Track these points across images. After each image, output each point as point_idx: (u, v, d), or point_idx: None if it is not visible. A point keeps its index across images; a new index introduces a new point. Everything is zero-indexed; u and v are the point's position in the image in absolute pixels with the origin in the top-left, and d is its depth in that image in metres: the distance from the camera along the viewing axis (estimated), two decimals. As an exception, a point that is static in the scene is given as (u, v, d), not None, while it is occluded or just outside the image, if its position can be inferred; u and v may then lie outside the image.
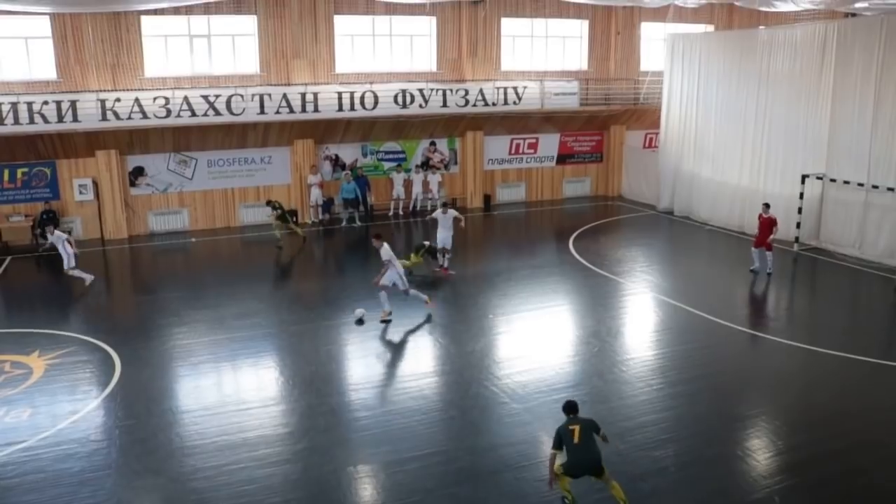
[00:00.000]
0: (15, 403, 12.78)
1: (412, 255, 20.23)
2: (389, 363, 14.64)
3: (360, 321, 16.43)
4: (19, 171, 24.53)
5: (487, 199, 29.68)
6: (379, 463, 10.56)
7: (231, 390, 13.48)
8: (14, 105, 22.87)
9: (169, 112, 24.23)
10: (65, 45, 23.96)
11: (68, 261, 19.69)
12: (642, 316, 17.35)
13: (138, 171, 25.69)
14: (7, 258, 22.73)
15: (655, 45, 31.14)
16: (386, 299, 16.50)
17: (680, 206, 27.87)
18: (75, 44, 23.96)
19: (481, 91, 27.97)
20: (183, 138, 25.34)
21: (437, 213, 20.42)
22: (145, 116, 24.07)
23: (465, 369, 13.73)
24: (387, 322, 16.37)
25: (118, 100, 23.78)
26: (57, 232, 20.23)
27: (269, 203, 24.47)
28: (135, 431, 11.72)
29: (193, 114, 24.46)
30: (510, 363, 14.11)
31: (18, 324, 16.85)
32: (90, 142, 24.38)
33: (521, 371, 13.65)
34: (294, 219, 25.56)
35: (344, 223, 26.79)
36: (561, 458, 9.22)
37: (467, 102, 27.91)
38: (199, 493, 9.86)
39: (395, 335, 15.81)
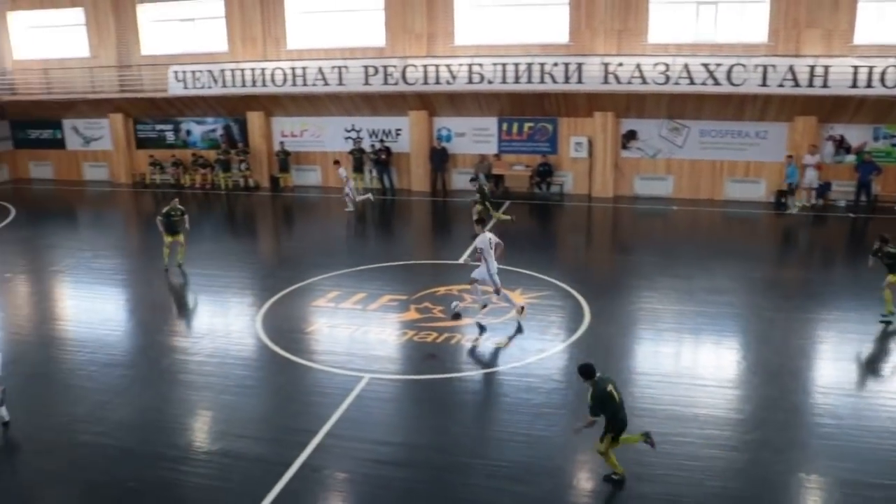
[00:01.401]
0: (496, 331, 14.23)
1: None
2: (869, 371, 13.05)
3: (456, 315, 15.04)
4: (526, 126, 26.95)
5: None
6: (835, 478, 9.46)
7: (689, 363, 13.27)
8: (529, 66, 25.03)
9: (667, 78, 24.29)
10: (578, 11, 25.42)
11: (350, 192, 24.99)
12: None
13: (630, 135, 26.40)
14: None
15: None
16: (478, 291, 15.05)
17: None
18: (587, 10, 25.27)
19: None
20: (678, 105, 25.31)
21: None
22: (644, 82, 24.48)
23: (965, 398, 11.65)
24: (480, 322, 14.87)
25: (620, 64, 24.53)
26: (342, 169, 25.61)
27: (472, 180, 23.28)
28: (591, 381, 12.21)
29: (692, 81, 24.17)
30: None
31: (508, 262, 18.53)
32: (590, 103, 25.67)
33: None
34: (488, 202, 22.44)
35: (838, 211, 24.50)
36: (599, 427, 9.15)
37: None
38: (641, 454, 9.89)
39: (887, 341, 14.04)
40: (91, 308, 16.94)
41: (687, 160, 26.18)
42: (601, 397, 8.98)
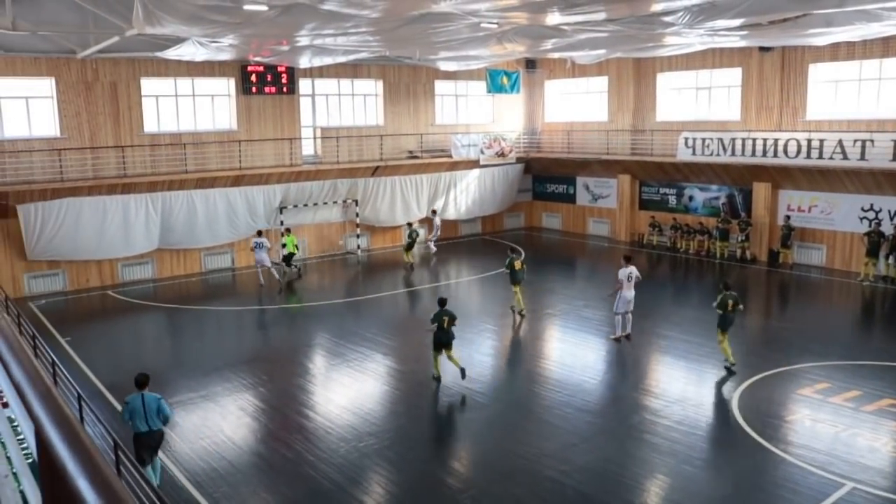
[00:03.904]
0: None
1: None
2: None
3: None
4: None
5: None
6: None
7: None
8: None
9: None
10: None
11: (433, 242, 29.88)
12: None
13: None
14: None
15: None
16: (620, 324, 17.93)
17: None
18: None
19: None
20: None
21: None
22: None
23: None
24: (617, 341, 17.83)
25: None
26: (438, 218, 30.33)
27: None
28: None
29: None
30: None
31: None
32: None
33: None
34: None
35: None
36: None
37: None
38: None
39: None
40: (574, 353, 17.84)
41: None
42: (434, 316, 14.87)
